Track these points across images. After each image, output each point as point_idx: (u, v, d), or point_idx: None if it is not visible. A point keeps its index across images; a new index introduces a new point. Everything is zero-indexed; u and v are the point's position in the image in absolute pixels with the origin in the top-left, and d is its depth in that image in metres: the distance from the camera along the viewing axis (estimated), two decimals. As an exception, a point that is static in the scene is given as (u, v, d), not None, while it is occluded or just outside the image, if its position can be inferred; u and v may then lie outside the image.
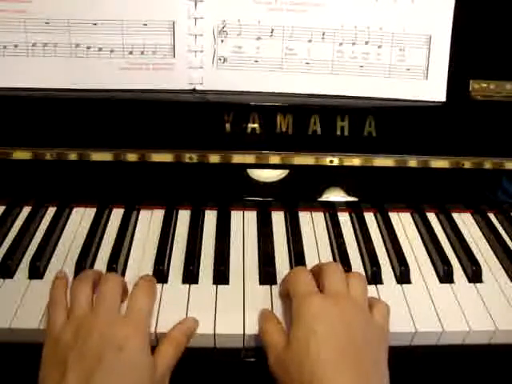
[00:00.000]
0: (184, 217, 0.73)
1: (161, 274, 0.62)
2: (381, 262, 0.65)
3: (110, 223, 0.72)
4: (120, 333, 0.50)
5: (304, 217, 0.74)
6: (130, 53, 0.71)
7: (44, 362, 0.50)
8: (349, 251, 0.67)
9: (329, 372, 0.46)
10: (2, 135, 0.72)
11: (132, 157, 0.73)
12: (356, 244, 0.70)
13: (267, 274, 0.63)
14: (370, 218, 0.75)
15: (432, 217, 0.76)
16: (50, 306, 0.55)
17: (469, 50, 0.72)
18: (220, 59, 0.72)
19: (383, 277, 0.64)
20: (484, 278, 0.65)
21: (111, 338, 0.49)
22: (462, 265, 0.67)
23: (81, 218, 0.73)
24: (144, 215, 0.74)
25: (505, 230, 0.74)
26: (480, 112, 0.74)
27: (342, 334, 0.49)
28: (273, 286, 0.61)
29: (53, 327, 0.52)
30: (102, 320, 0.51)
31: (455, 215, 0.76)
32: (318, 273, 0.57)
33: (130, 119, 0.72)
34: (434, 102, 0.74)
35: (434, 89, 0.73)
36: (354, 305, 0.53)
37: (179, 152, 0.73)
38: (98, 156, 0.72)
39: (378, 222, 0.75)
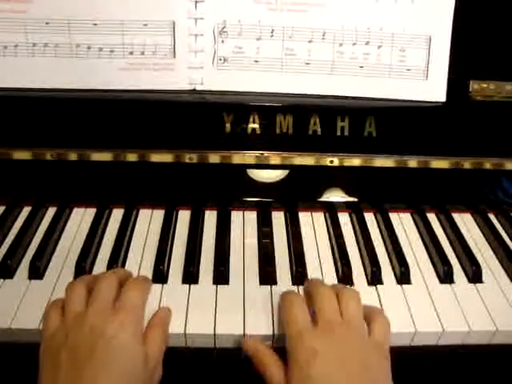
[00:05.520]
0: (184, 217, 0.73)
1: (161, 274, 0.63)
2: (381, 262, 0.65)
3: (110, 223, 0.72)
4: (111, 324, 0.50)
5: (304, 217, 0.74)
6: (131, 53, 0.71)
7: (41, 364, 0.50)
8: (349, 251, 0.67)
9: None
10: (2, 135, 0.72)
11: (132, 157, 0.73)
12: (356, 244, 0.70)
13: (267, 274, 0.63)
14: (370, 218, 0.75)
15: (432, 217, 0.76)
16: (47, 308, 0.55)
17: (469, 51, 0.72)
18: (220, 59, 0.72)
19: (383, 277, 0.64)
20: (484, 278, 0.65)
21: (102, 330, 0.49)
22: (462, 265, 0.67)
23: (81, 218, 0.73)
24: (144, 215, 0.74)
25: (505, 230, 0.74)
26: (480, 112, 0.74)
27: (340, 375, 0.48)
28: (273, 286, 0.62)
29: (46, 328, 0.52)
30: (92, 315, 0.51)
31: (455, 215, 0.76)
32: (308, 293, 0.57)
33: (130, 119, 0.72)
34: (433, 102, 0.74)
35: (433, 89, 0.73)
36: (348, 332, 0.52)
37: (179, 152, 0.73)
38: (98, 156, 0.72)
39: (378, 222, 0.75)
